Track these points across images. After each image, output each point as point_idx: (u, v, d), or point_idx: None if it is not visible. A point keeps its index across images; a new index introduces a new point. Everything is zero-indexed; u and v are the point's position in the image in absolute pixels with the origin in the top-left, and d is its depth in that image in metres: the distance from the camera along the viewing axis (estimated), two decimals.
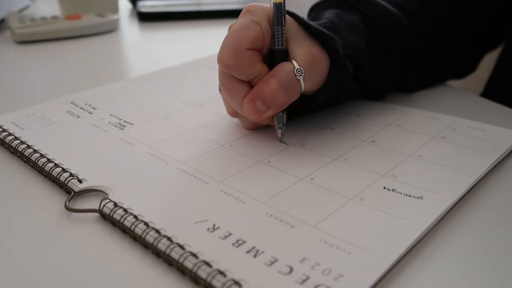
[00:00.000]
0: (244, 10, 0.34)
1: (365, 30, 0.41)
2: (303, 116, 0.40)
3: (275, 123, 0.36)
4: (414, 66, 0.46)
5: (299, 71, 0.33)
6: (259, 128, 0.39)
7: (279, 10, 0.33)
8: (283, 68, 0.33)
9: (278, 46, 0.34)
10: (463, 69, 0.54)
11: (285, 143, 0.37)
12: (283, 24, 0.34)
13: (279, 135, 0.36)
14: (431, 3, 0.48)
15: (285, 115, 0.36)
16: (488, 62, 0.59)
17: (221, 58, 0.32)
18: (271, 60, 0.34)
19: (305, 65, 0.33)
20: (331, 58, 0.35)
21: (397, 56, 0.43)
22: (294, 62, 0.33)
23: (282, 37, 0.34)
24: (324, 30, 0.35)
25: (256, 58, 0.33)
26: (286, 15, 0.35)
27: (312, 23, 0.36)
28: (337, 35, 0.37)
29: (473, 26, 0.50)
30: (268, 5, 0.34)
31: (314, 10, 0.45)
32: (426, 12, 0.47)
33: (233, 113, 0.37)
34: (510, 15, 0.52)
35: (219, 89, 0.36)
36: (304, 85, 0.34)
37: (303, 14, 0.39)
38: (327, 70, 0.35)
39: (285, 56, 0.34)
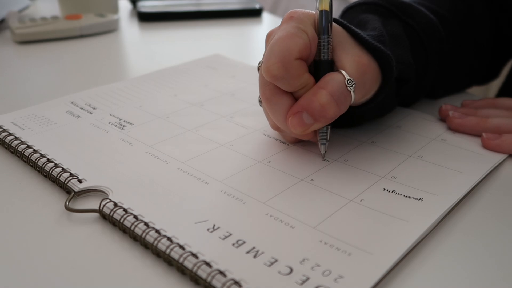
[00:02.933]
0: (287, 16, 0.32)
1: (407, 41, 0.39)
2: (344, 127, 0.39)
3: (318, 139, 0.33)
4: (443, 72, 0.45)
5: (350, 81, 0.31)
6: (300, 142, 0.37)
7: (326, 18, 0.31)
8: (332, 79, 0.31)
9: (324, 56, 0.32)
10: (488, 75, 0.53)
11: (326, 159, 0.35)
12: (330, 33, 0.32)
13: (322, 151, 0.34)
14: (462, 8, 0.46)
15: (329, 130, 0.33)
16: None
17: (268, 69, 0.30)
18: (316, 71, 0.32)
19: (356, 75, 0.31)
20: (385, 77, 0.34)
21: (433, 67, 0.42)
22: (343, 72, 0.31)
23: (328, 46, 0.32)
24: (382, 47, 0.33)
25: (304, 68, 0.31)
26: (335, 23, 0.33)
27: (365, 35, 0.34)
28: (388, 48, 0.35)
29: (503, 31, 0.49)
30: (312, 11, 0.32)
31: (348, 13, 0.43)
32: (456, 17, 0.45)
33: (275, 127, 0.35)
34: None
35: (259, 101, 0.35)
36: (354, 97, 0.32)
37: None
38: (376, 81, 0.34)
39: (332, 67, 0.32)
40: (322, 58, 0.32)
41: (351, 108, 0.34)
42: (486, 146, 0.37)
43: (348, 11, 0.43)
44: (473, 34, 0.47)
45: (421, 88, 0.43)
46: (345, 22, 0.34)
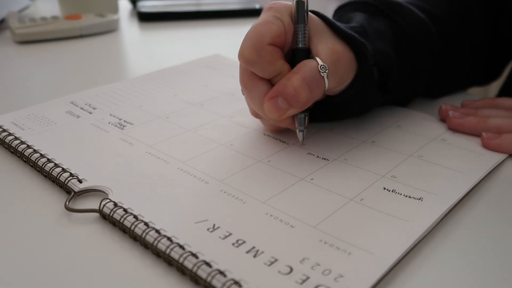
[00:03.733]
0: (267, 7, 0.33)
1: (392, 37, 0.40)
2: (325, 122, 0.40)
3: (296, 126, 0.34)
4: (439, 72, 0.45)
5: (323, 67, 0.32)
6: (282, 132, 0.38)
7: (302, 8, 0.33)
8: (306, 65, 0.32)
9: (301, 45, 0.33)
10: (488, 76, 0.53)
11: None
12: (306, 23, 0.33)
13: (300, 138, 0.35)
14: (458, 9, 0.47)
15: (307, 118, 0.34)
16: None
17: (242, 53, 0.31)
18: (293, 59, 0.33)
19: (329, 62, 0.32)
20: (360, 65, 0.35)
21: (424, 65, 0.42)
22: (317, 59, 0.32)
23: (304, 35, 0.33)
24: (356, 35, 0.34)
25: (277, 55, 0.32)
26: (312, 14, 0.34)
27: (341, 25, 0.35)
28: (367, 40, 0.36)
29: (501, 32, 0.49)
30: (291, 3, 0.33)
31: (339, 12, 0.44)
32: (452, 17, 0.45)
33: (254, 113, 0.37)
34: None
35: (242, 90, 0.35)
36: (328, 83, 0.32)
37: None
38: (351, 69, 0.34)
39: (308, 55, 0.33)
40: (298, 46, 0.33)
41: (330, 98, 0.35)
42: (486, 145, 0.37)
43: (339, 10, 0.44)
44: (470, 34, 0.47)
45: (415, 86, 0.43)
46: (322, 13, 0.35)
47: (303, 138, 0.35)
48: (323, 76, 0.32)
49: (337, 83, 0.34)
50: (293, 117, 0.34)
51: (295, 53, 0.33)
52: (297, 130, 0.35)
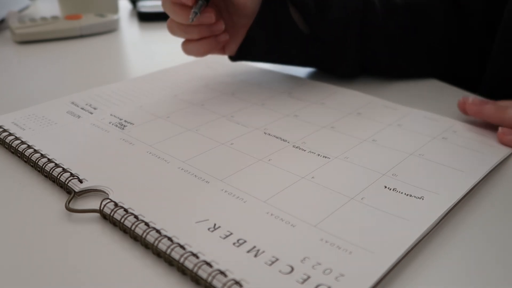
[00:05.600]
0: None
1: None
2: (255, 60, 0.45)
3: (193, 8, 0.40)
4: (386, 50, 0.49)
5: None
6: (198, 56, 0.44)
7: None
8: None
9: None
10: (461, 71, 0.54)
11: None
12: None
13: (191, 16, 0.40)
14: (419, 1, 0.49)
15: (203, 5, 0.40)
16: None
17: None
18: None
19: None
20: None
21: (354, 18, 0.46)
22: None
23: None
24: None
25: None
26: None
27: None
28: None
29: (462, 30, 0.50)
30: None
31: None
32: (410, 6, 0.48)
33: (172, 30, 0.43)
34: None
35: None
36: None
37: None
38: None
39: None
40: None
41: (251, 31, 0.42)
42: (500, 140, 0.37)
43: None
44: (428, 25, 0.49)
45: (345, 51, 0.47)
46: None
47: (193, 19, 0.40)
48: None
49: None
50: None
51: None
52: (192, 11, 0.40)
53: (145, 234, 0.26)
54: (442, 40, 0.50)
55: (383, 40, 0.49)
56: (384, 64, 0.50)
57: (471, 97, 0.41)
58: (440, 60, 0.51)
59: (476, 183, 0.32)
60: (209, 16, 0.41)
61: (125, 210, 0.28)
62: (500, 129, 0.37)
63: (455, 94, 0.48)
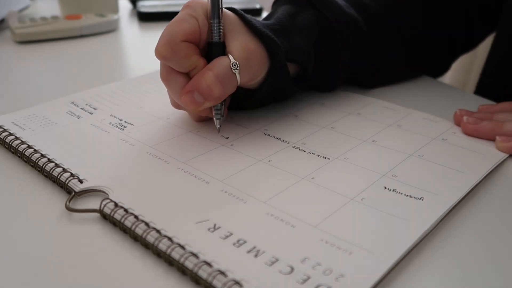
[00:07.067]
0: (184, 5, 0.35)
1: (316, 30, 0.42)
2: (249, 109, 0.42)
3: (213, 114, 0.36)
4: (371, 64, 0.47)
5: (234, 64, 0.34)
6: (205, 121, 0.40)
7: (215, 4, 0.34)
8: (219, 62, 0.34)
9: (215, 39, 0.35)
10: (436, 69, 0.55)
11: (226, 137, 0.37)
12: (220, 18, 0.34)
13: (217, 125, 0.37)
14: (398, 4, 0.48)
15: (223, 107, 0.36)
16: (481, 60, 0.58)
17: (157, 50, 0.33)
18: (209, 53, 0.35)
19: (241, 59, 0.34)
20: (272, 62, 0.37)
21: (345, 58, 0.44)
22: (230, 56, 0.34)
23: (219, 30, 0.34)
24: (269, 33, 0.36)
25: (192, 50, 0.34)
26: (230, 11, 0.36)
27: (257, 22, 0.37)
28: (284, 37, 0.38)
29: (443, 29, 0.50)
30: (207, 1, 0.35)
31: (275, 5, 0.45)
32: (390, 13, 0.47)
33: (176, 105, 0.38)
34: (481, 19, 0.52)
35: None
36: (240, 79, 0.35)
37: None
38: (264, 65, 0.36)
39: (222, 49, 0.35)
40: (213, 40, 0.35)
41: (246, 91, 0.38)
42: (499, 148, 0.36)
43: (275, 3, 0.46)
44: (406, 27, 0.48)
45: (336, 74, 0.45)
46: (240, 11, 0.37)
47: (220, 126, 0.37)
48: (234, 73, 0.34)
49: (249, 78, 0.36)
50: (211, 107, 0.36)
51: (210, 46, 0.35)
52: (214, 119, 0.37)
53: (145, 234, 0.26)
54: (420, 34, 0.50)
55: (370, 52, 0.47)
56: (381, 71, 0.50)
57: (465, 116, 0.40)
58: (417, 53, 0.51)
59: (475, 183, 0.32)
60: (225, 113, 0.38)
61: (125, 210, 0.28)
62: (498, 138, 0.37)
63: (454, 96, 0.48)
